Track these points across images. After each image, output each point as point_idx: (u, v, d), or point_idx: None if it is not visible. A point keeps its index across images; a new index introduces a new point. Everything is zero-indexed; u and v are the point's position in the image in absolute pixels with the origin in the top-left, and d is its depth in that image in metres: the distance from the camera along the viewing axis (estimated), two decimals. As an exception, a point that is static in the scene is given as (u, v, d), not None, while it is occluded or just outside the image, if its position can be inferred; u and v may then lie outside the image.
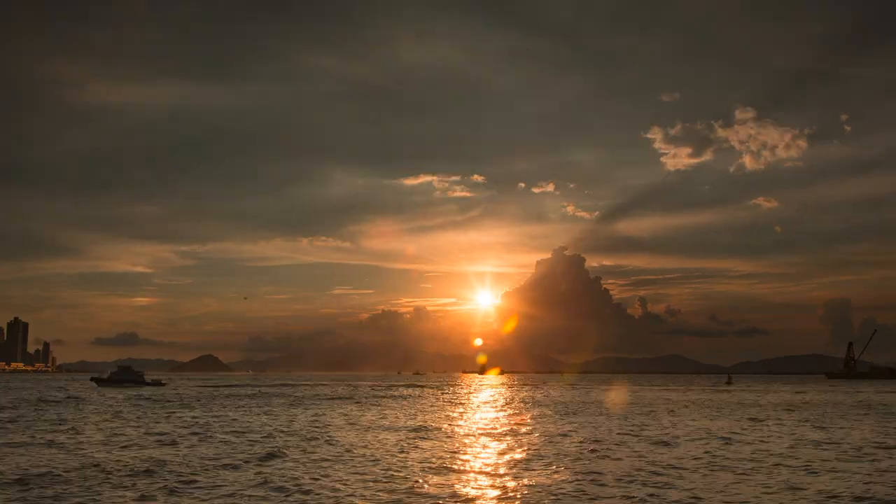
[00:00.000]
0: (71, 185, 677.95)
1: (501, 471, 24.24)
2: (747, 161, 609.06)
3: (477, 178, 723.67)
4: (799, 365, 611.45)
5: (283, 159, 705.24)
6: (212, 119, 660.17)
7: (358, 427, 42.23)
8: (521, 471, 24.58)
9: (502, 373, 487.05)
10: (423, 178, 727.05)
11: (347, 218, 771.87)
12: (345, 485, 21.67)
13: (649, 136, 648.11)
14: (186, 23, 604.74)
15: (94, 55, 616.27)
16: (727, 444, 33.45)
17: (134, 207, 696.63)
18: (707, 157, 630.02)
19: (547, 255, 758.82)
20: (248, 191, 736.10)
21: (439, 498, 19.51)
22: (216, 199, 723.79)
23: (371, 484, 21.73)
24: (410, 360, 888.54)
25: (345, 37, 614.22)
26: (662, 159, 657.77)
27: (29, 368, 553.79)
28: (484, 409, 60.86)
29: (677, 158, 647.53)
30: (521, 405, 66.09)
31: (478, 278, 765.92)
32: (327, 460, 27.42)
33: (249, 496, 20.02)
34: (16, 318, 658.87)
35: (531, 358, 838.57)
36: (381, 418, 49.95)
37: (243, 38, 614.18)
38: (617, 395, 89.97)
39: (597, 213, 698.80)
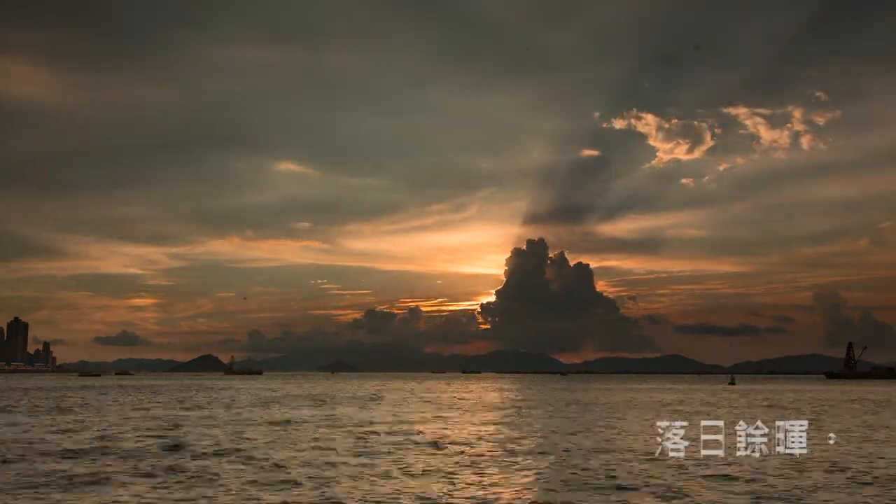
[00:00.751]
0: (29, 185, 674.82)
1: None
2: (738, 160, 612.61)
3: (450, 178, 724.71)
4: (799, 365, 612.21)
5: (242, 156, 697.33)
6: (161, 117, 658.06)
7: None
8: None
9: (501, 373, 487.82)
10: (391, 180, 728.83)
11: (328, 218, 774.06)
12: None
13: (630, 132, 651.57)
14: (122, 21, 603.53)
15: (32, 54, 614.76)
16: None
17: (103, 209, 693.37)
18: (694, 155, 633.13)
19: (530, 256, 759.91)
20: (221, 190, 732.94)
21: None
22: (188, 200, 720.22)
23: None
24: (411, 360, 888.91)
25: (284, 32, 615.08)
26: (645, 158, 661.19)
27: (29, 369, 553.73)
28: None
29: (662, 156, 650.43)
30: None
31: (470, 280, 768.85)
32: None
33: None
34: (16, 318, 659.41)
35: (530, 359, 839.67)
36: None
37: (172, 33, 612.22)
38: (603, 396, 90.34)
39: (578, 213, 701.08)
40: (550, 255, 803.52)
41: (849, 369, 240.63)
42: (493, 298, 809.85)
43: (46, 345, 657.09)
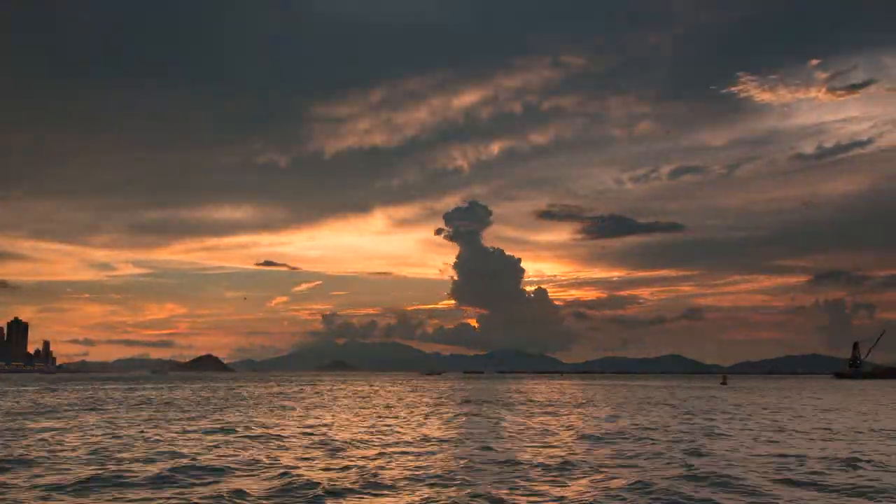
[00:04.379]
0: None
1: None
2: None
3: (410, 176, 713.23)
4: (799, 365, 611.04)
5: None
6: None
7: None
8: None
9: (501, 373, 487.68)
10: (367, 180, 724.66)
11: (315, 219, 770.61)
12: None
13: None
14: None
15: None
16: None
17: (74, 212, 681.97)
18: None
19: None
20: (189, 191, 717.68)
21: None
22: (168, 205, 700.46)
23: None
24: (409, 361, 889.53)
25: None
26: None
27: (30, 369, 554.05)
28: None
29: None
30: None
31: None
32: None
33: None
34: (16, 318, 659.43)
35: (531, 359, 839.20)
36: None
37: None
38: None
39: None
40: (496, 254, 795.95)
41: (854, 370, 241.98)
42: (493, 299, 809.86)
43: (46, 344, 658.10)
